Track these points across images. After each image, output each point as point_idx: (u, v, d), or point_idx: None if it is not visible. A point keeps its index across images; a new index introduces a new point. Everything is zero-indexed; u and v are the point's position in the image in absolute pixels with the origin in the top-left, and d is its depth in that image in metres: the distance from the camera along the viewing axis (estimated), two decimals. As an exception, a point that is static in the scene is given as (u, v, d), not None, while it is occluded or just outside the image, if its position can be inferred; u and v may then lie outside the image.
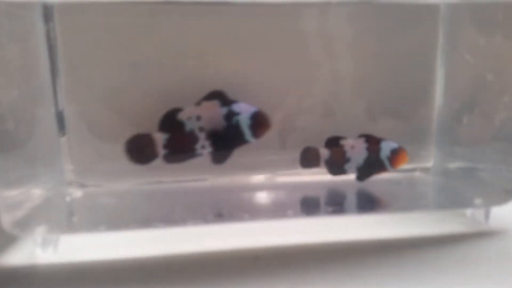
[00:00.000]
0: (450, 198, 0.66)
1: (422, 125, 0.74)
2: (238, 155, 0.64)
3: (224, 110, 0.64)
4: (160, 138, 0.63)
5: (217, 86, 0.64)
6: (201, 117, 0.63)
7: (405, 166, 0.67)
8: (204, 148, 0.64)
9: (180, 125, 0.63)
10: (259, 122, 0.64)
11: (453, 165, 0.72)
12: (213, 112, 0.63)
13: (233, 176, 0.70)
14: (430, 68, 0.73)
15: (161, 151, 0.63)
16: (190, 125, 0.63)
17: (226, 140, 0.64)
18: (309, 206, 0.64)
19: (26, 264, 0.51)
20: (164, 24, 0.65)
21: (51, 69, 0.63)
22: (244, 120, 0.64)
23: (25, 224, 0.53)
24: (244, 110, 0.64)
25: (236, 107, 0.64)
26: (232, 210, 0.61)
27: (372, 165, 0.67)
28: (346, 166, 0.68)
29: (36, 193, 0.59)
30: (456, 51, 0.70)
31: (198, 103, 0.64)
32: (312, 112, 0.71)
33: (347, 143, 0.68)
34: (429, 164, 0.75)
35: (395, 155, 0.67)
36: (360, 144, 0.67)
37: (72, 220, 0.59)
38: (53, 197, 0.62)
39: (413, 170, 0.75)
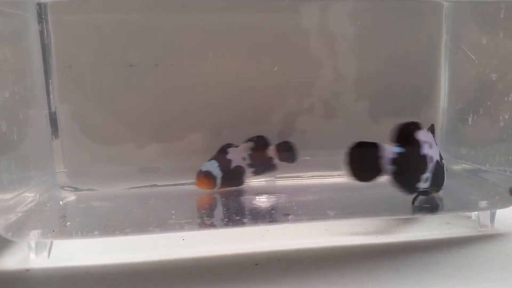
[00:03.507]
0: (455, 201, 0.66)
1: (426, 126, 0.73)
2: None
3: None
4: (390, 151, 0.53)
5: (214, 84, 0.63)
6: None
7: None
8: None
9: (416, 143, 0.54)
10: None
11: (458, 167, 0.72)
12: None
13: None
14: (434, 68, 0.73)
15: (389, 168, 0.53)
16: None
17: None
18: (311, 210, 0.63)
19: (20, 269, 0.51)
20: (159, 22, 0.65)
21: (44, 69, 0.63)
22: None
23: (18, 228, 0.52)
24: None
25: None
26: (230, 214, 0.59)
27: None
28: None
29: (29, 196, 0.58)
30: (460, 50, 0.70)
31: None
32: (313, 113, 0.70)
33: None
34: (434, 166, 0.75)
35: None
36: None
37: (66, 224, 0.58)
38: (46, 201, 0.61)
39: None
